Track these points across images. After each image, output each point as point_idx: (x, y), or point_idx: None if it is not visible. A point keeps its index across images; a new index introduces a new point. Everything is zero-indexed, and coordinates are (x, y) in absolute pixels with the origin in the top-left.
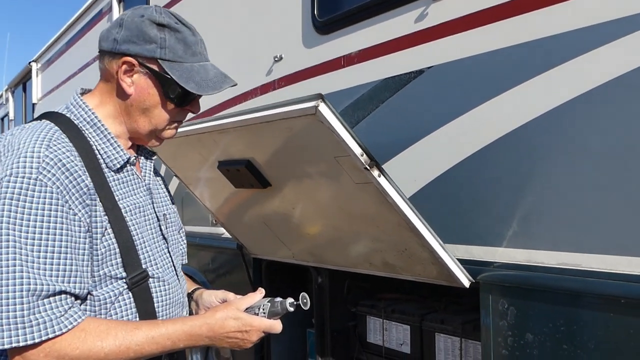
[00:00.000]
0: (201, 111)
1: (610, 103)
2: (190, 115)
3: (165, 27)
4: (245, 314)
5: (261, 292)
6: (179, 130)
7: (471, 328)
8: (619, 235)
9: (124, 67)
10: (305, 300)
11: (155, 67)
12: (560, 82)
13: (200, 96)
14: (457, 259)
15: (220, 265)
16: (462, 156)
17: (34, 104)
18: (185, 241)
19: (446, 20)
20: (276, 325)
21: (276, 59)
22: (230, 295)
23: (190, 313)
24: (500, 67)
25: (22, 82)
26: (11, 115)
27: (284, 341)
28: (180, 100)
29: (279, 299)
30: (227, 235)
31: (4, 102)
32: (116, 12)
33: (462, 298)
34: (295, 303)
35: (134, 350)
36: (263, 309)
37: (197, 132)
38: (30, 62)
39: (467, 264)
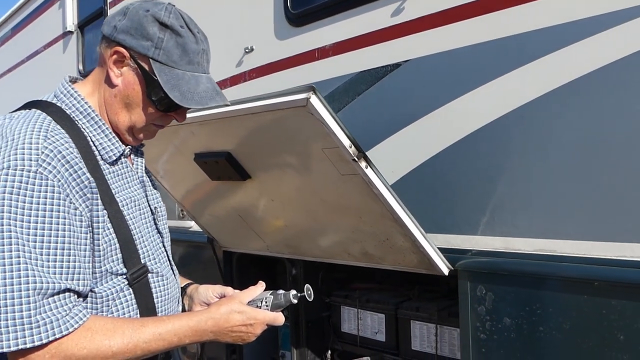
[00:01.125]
0: None
1: (581, 98)
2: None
3: (167, 27)
4: (249, 308)
5: (262, 285)
6: None
7: (446, 314)
8: (591, 222)
9: (115, 56)
10: (309, 292)
11: (145, 65)
12: (535, 77)
13: (183, 107)
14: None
15: (190, 259)
16: (439, 148)
17: None
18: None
19: (423, 15)
20: (279, 318)
21: (247, 50)
22: (229, 290)
23: (184, 309)
24: (477, 61)
25: None
26: None
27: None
28: (162, 105)
29: (281, 291)
30: (195, 228)
31: None
32: None
33: (434, 285)
34: (299, 295)
35: (141, 348)
36: (266, 302)
37: (174, 124)
38: None
39: (446, 252)
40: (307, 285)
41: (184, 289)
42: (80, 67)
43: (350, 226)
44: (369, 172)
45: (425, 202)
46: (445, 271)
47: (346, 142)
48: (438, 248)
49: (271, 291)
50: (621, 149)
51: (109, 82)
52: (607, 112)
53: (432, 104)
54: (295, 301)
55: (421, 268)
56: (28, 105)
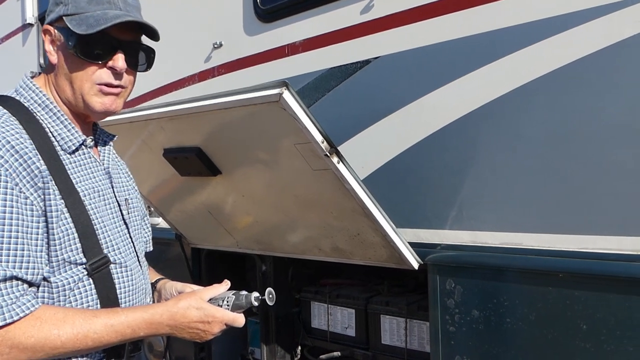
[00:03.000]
0: (133, 97)
1: (545, 95)
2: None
3: None
4: (208, 305)
5: (227, 283)
6: (124, 116)
7: (415, 308)
8: (555, 215)
9: (46, 37)
10: (271, 296)
11: (62, 26)
12: (502, 74)
13: (118, 51)
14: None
15: (158, 256)
16: (409, 143)
17: None
18: (149, 228)
19: (392, 12)
20: (239, 319)
21: (215, 45)
22: (188, 288)
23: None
24: (445, 59)
25: None
26: None
27: (225, 333)
28: (83, 50)
29: (244, 292)
30: (163, 225)
31: None
32: None
33: (403, 280)
34: (260, 297)
35: (92, 339)
36: (227, 302)
37: (143, 119)
38: None
39: (415, 247)
40: (269, 289)
41: (154, 284)
42: (41, 61)
43: (321, 221)
44: (340, 167)
45: (396, 197)
46: (415, 265)
47: (318, 137)
48: (408, 242)
49: (234, 291)
50: (583, 144)
51: (51, 65)
52: (570, 109)
53: (401, 100)
54: (256, 304)
55: (391, 262)
56: None
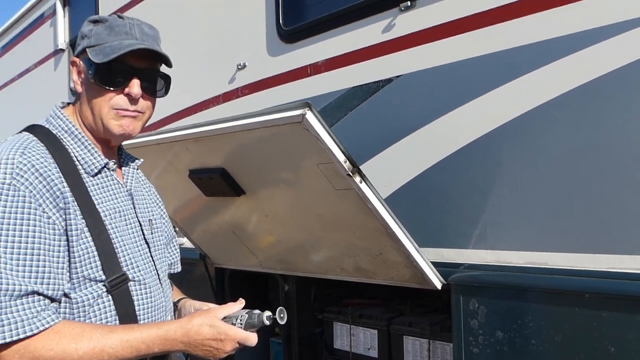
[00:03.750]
0: (159, 118)
1: (568, 111)
2: (157, 119)
3: (98, 21)
4: (221, 322)
5: (241, 302)
6: (151, 138)
7: (439, 329)
8: (581, 234)
9: (73, 68)
10: (282, 315)
11: (85, 57)
12: (526, 91)
13: (133, 78)
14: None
15: (182, 276)
16: (432, 162)
17: None
18: (177, 250)
19: (413, 31)
20: (251, 338)
21: (239, 67)
22: (205, 306)
23: None
24: (468, 76)
25: None
26: None
27: (247, 351)
28: (100, 77)
29: (257, 311)
30: (187, 244)
31: None
32: (60, 16)
33: (426, 300)
34: (272, 317)
35: (108, 353)
36: (240, 320)
37: (169, 140)
38: None
39: (438, 266)
40: (280, 308)
41: (176, 304)
42: (72, 85)
43: (343, 241)
44: (363, 186)
45: (418, 216)
46: (439, 285)
47: (341, 157)
48: (431, 262)
49: (248, 310)
50: (609, 160)
51: (77, 95)
52: (598, 125)
53: (424, 118)
54: (268, 323)
55: (414, 282)
56: (23, 130)
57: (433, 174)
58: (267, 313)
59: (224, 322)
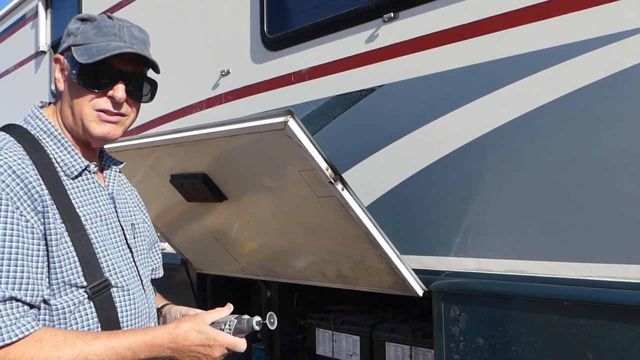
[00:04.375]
0: (141, 123)
1: (548, 123)
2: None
3: (86, 20)
4: (210, 328)
5: (229, 307)
6: (132, 142)
7: (420, 335)
8: (559, 243)
9: (56, 65)
10: (272, 320)
11: (70, 55)
12: (506, 102)
13: (118, 81)
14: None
15: (163, 281)
16: (413, 170)
17: None
18: (159, 255)
19: (396, 42)
20: (240, 344)
21: (223, 73)
22: (192, 311)
23: None
24: (449, 86)
25: None
26: None
27: (228, 358)
28: (84, 78)
29: (246, 317)
30: (169, 249)
31: None
32: (43, 18)
33: (408, 307)
34: (262, 322)
35: None
36: (229, 325)
37: (150, 145)
38: None
39: (420, 274)
40: (270, 313)
41: (160, 309)
42: (53, 87)
43: (325, 248)
44: (345, 194)
45: (400, 223)
46: (420, 292)
47: (323, 164)
48: (412, 269)
49: (236, 315)
50: (587, 171)
51: (59, 93)
52: (574, 136)
53: (406, 128)
54: (257, 328)
55: (396, 289)
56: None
57: (415, 182)
58: (257, 318)
59: (212, 328)
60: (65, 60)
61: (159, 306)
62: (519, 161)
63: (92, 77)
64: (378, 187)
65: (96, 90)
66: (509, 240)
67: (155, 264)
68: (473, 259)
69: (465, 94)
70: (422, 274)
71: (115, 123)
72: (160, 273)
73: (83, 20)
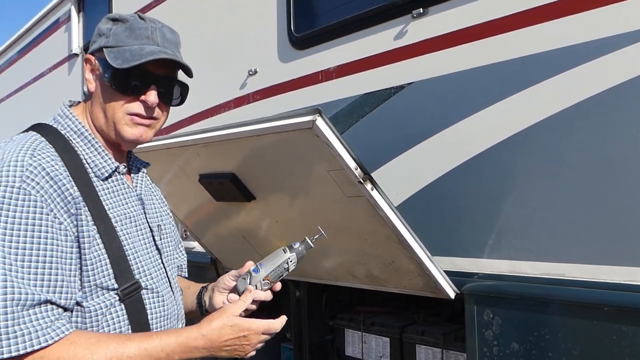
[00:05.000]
0: (170, 123)
1: (589, 118)
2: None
3: (117, 20)
4: (241, 319)
5: (250, 291)
6: (162, 142)
7: (452, 338)
8: (599, 245)
9: (87, 65)
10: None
11: (101, 57)
12: (541, 99)
13: (151, 86)
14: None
15: (193, 279)
16: (445, 169)
17: None
18: (184, 254)
19: (426, 38)
20: (275, 324)
21: (251, 72)
22: (249, 264)
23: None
24: (482, 83)
25: None
26: None
27: (258, 356)
28: (117, 82)
29: (297, 244)
30: (198, 248)
31: None
32: (75, 22)
33: (439, 309)
34: (312, 237)
35: None
36: (291, 260)
37: (179, 145)
38: None
39: (452, 275)
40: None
41: (203, 289)
42: (85, 89)
43: (355, 248)
44: (374, 194)
45: (431, 224)
46: (452, 295)
47: (352, 164)
48: (444, 271)
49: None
50: (629, 170)
51: (89, 94)
52: (616, 134)
53: (437, 126)
54: (312, 245)
55: (427, 291)
56: (29, 129)
57: (446, 181)
58: (308, 237)
59: (243, 319)
60: (96, 62)
61: (198, 290)
62: (555, 160)
63: (125, 81)
64: (408, 186)
65: (129, 95)
66: (544, 242)
67: (181, 262)
68: (507, 261)
69: (499, 91)
70: (454, 276)
71: (147, 126)
72: (185, 272)
73: (115, 20)
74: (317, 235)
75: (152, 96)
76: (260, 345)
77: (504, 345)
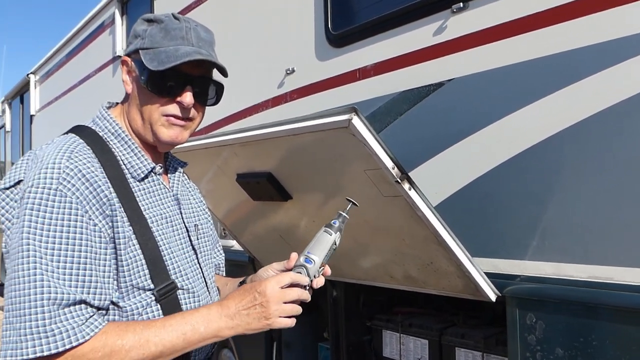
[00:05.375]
0: (208, 123)
1: (637, 114)
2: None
3: (153, 21)
4: (257, 283)
5: (293, 259)
6: (199, 142)
7: (493, 342)
8: None
9: (123, 67)
10: (335, 247)
11: (137, 58)
12: (589, 94)
13: (187, 87)
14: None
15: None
16: (485, 168)
17: (32, 116)
18: (222, 254)
19: (466, 33)
20: (284, 276)
21: (288, 71)
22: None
23: None
24: (524, 79)
25: (20, 94)
26: (8, 127)
27: (295, 355)
28: (153, 84)
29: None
30: (237, 247)
31: (1, 114)
32: (119, 25)
33: (480, 311)
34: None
35: (154, 343)
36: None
37: (217, 145)
38: (28, 74)
39: (493, 277)
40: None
41: (243, 282)
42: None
43: (392, 249)
44: (412, 193)
45: (471, 224)
46: (493, 297)
47: (389, 163)
48: (485, 273)
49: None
50: None
51: (126, 95)
52: None
53: (477, 123)
54: (347, 215)
55: (466, 293)
56: (69, 131)
57: (487, 180)
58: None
59: (257, 282)
60: (132, 63)
61: (237, 283)
62: (604, 158)
63: (161, 83)
64: (448, 186)
65: (165, 97)
66: (591, 244)
67: (218, 261)
68: (551, 264)
69: (543, 87)
70: (495, 278)
71: (182, 127)
72: (223, 271)
73: (150, 21)
74: (349, 206)
75: (187, 97)
76: (288, 307)
77: (547, 351)
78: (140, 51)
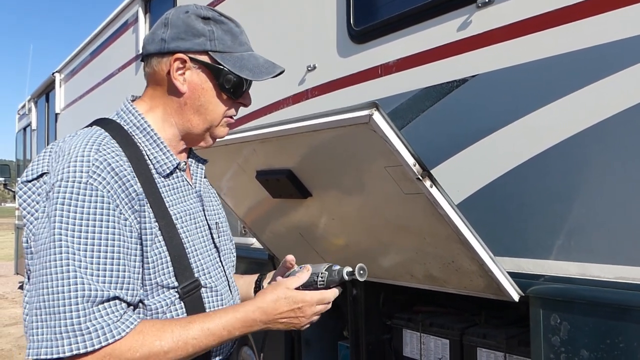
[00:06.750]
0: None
1: None
2: (239, 113)
3: (210, 20)
4: (295, 292)
5: (308, 269)
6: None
7: (516, 343)
8: None
9: (176, 64)
10: (362, 272)
11: (207, 60)
12: (614, 91)
13: (249, 87)
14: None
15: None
16: (508, 166)
17: (57, 114)
18: (235, 252)
19: (490, 29)
20: (327, 294)
21: (309, 68)
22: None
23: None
24: (550, 75)
25: (46, 92)
26: (34, 125)
27: (315, 354)
28: (235, 90)
29: (336, 267)
30: (256, 245)
31: (27, 112)
32: (142, 23)
33: (502, 311)
34: (352, 272)
35: (192, 345)
36: (321, 277)
37: (237, 142)
38: (53, 73)
39: (516, 277)
40: (360, 265)
41: (262, 276)
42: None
43: (413, 247)
44: (433, 191)
45: (494, 223)
46: (516, 297)
47: (410, 160)
48: (507, 272)
49: (327, 265)
50: None
51: (174, 93)
52: None
53: (501, 120)
54: (347, 278)
55: (489, 293)
56: (93, 123)
57: (511, 178)
58: (348, 269)
59: (297, 291)
60: (190, 63)
61: (253, 278)
62: (631, 155)
63: (241, 87)
64: (470, 184)
65: (236, 99)
66: (618, 244)
67: (233, 261)
68: (576, 264)
69: (569, 83)
70: (518, 278)
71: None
72: (234, 268)
73: (207, 19)
74: (354, 271)
75: (248, 98)
76: (315, 318)
77: (572, 352)
78: (211, 53)
